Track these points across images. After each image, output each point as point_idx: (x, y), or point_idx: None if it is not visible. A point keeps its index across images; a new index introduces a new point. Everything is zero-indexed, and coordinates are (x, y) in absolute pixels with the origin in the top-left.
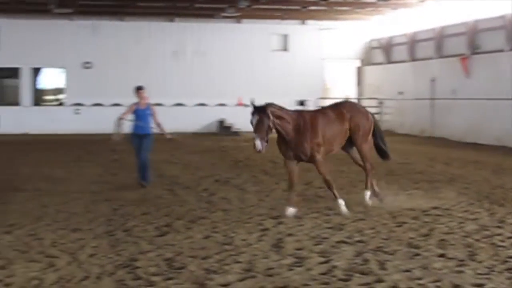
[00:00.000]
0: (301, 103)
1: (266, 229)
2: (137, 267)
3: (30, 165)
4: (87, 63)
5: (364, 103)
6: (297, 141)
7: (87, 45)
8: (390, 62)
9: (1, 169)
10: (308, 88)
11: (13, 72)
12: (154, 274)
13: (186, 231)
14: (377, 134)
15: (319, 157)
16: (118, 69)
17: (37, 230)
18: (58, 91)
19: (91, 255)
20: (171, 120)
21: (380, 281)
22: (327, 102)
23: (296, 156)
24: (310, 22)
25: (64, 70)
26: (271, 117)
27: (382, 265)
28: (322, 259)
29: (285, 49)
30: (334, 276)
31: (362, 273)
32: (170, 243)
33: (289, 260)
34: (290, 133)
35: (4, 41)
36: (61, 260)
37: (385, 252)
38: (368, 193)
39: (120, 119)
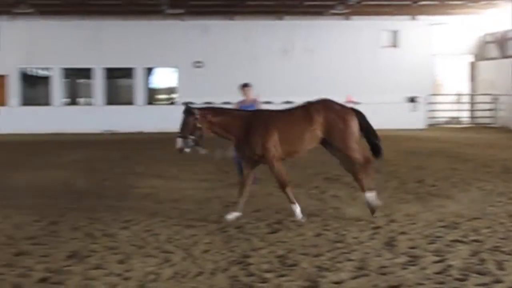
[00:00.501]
0: (412, 100)
1: (378, 227)
2: (250, 264)
3: (144, 163)
4: (198, 62)
5: (478, 99)
6: (246, 140)
7: (197, 45)
8: (505, 56)
9: (117, 167)
10: (418, 85)
11: (127, 72)
12: (266, 271)
13: (297, 229)
14: (366, 130)
15: (271, 157)
16: (227, 68)
17: (152, 226)
18: (170, 90)
19: (205, 251)
20: None
21: (498, 281)
22: (439, 99)
23: (247, 157)
24: (420, 17)
25: (176, 70)
26: (199, 120)
27: (500, 265)
28: (437, 258)
29: (394, 45)
30: (449, 276)
31: (479, 273)
32: (281, 240)
33: (402, 259)
34: (235, 134)
35: (118, 43)
36: (176, 256)
37: (503, 252)
38: (369, 194)
39: None
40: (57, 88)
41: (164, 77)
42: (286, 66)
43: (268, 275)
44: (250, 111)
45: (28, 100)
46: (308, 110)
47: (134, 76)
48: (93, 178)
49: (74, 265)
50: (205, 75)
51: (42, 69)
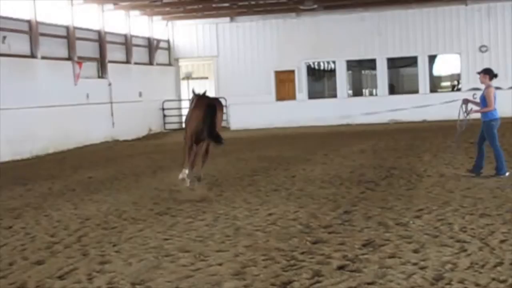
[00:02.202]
0: None
1: None
2: None
3: (432, 152)
4: (483, 46)
5: None
6: None
7: (482, 29)
8: None
9: (404, 156)
10: None
11: (411, 61)
12: None
13: None
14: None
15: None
16: None
17: (445, 215)
18: (454, 77)
19: (502, 241)
20: None
21: None
22: None
23: None
24: None
25: (459, 55)
26: None
27: None
28: None
29: None
30: None
31: None
32: None
33: None
34: None
35: (400, 32)
36: (472, 245)
37: None
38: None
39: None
40: (342, 80)
41: (447, 64)
42: None
43: None
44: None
45: (314, 94)
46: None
47: (419, 64)
48: (381, 168)
49: (370, 254)
50: (490, 60)
51: (327, 62)
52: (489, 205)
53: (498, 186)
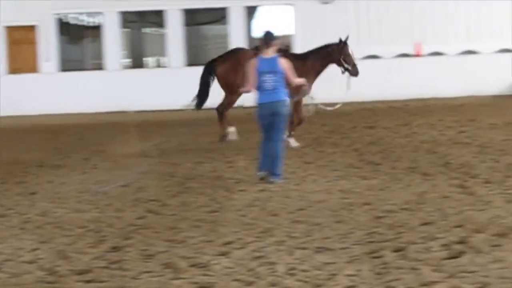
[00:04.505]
0: None
1: None
2: None
3: (249, 154)
4: None
5: None
6: None
7: None
8: None
9: (207, 160)
10: None
11: (219, 15)
12: None
13: (491, 251)
14: None
15: None
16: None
17: (265, 251)
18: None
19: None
20: (456, 75)
21: None
22: None
23: None
24: None
25: (291, 7)
26: None
27: None
28: None
29: None
30: None
31: None
32: (467, 270)
33: None
34: None
35: None
36: None
37: None
38: None
39: None
40: (113, 43)
41: (274, 20)
42: None
43: None
44: None
45: (69, 64)
46: None
47: (228, 21)
48: (172, 179)
49: None
50: (335, 14)
51: (90, 14)
52: (330, 234)
53: (343, 207)
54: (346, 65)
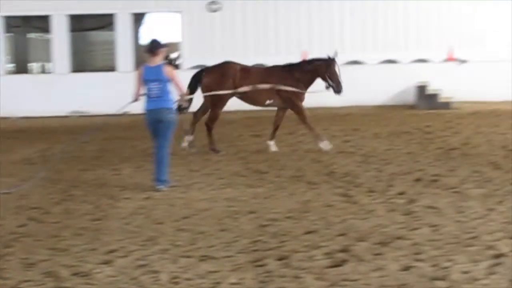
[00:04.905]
0: None
1: (501, 255)
2: None
3: (134, 162)
4: (213, 3)
5: None
6: None
7: None
8: None
9: (91, 168)
10: None
11: (106, 21)
12: None
13: (373, 259)
14: None
15: None
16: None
17: (149, 259)
18: (171, 47)
19: None
20: (344, 86)
21: None
22: None
23: None
24: None
25: (179, 15)
26: None
27: None
28: None
29: None
30: None
31: None
32: (349, 278)
33: None
34: None
35: None
36: None
37: None
38: None
39: None
40: None
41: (161, 27)
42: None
43: None
44: None
45: None
46: None
47: (115, 27)
48: (55, 187)
49: None
50: (223, 22)
51: None
52: (215, 243)
53: (228, 215)
54: (330, 82)
